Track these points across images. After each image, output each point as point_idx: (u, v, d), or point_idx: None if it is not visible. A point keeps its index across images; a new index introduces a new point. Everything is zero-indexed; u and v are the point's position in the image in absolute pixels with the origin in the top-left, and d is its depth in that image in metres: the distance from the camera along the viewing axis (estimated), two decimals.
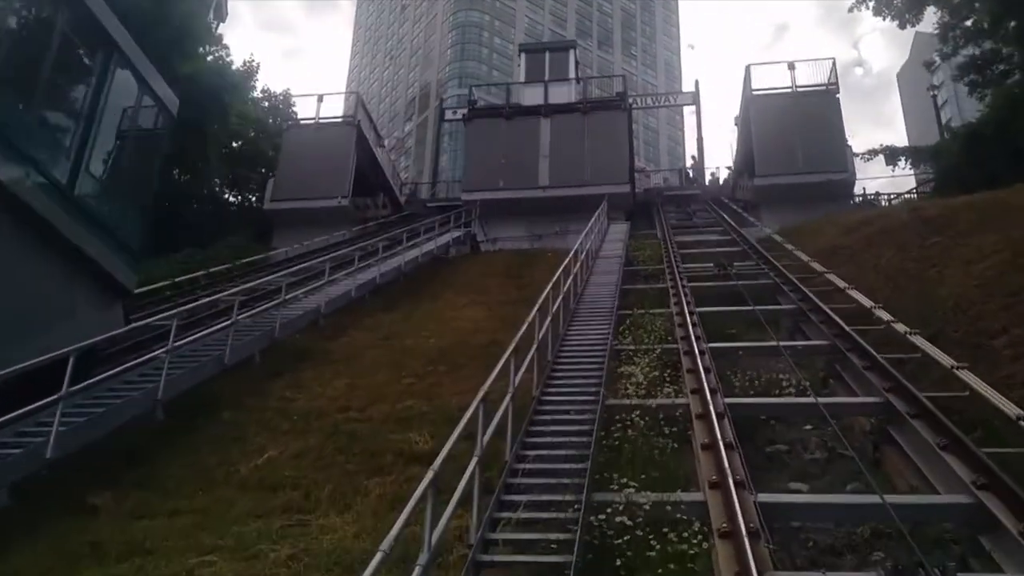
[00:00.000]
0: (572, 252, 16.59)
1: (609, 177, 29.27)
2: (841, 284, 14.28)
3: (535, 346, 10.06)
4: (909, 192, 32.54)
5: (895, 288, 13.92)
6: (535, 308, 10.98)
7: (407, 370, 13.31)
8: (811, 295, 14.04)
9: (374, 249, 23.33)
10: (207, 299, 17.15)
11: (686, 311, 13.74)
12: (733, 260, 20.37)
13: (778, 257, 18.75)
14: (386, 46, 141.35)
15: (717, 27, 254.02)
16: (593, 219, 22.76)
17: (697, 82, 38.42)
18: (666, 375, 10.77)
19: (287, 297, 15.76)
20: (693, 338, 11.77)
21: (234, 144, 34.27)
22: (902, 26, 31.41)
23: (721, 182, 37.47)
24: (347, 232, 29.27)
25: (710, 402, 8.74)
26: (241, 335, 13.83)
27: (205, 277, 23.02)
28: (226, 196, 35.40)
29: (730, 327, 14.40)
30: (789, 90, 29.76)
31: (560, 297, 13.24)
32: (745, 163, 32.15)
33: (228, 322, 13.47)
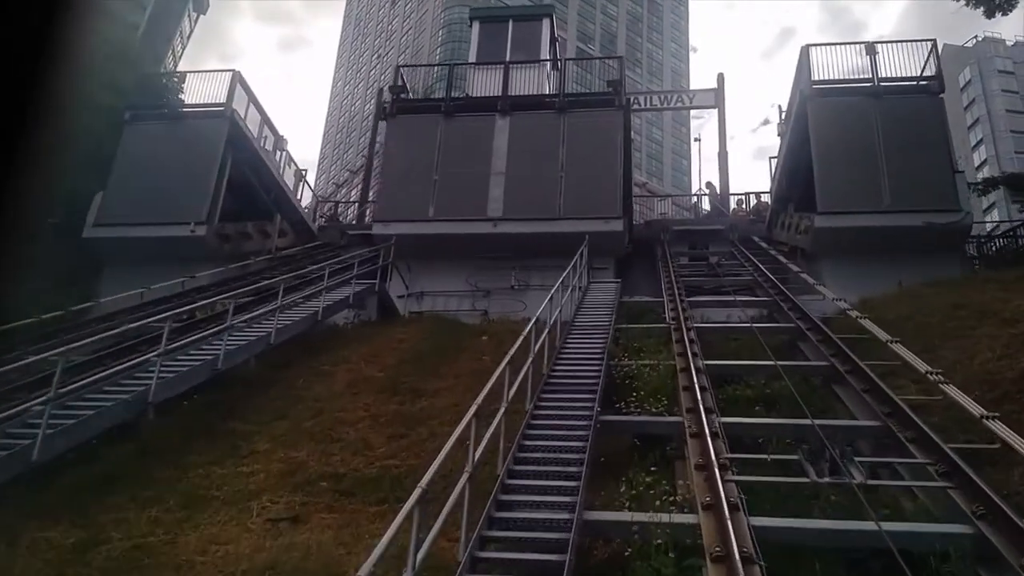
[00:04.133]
0: (527, 351, 6.55)
1: (594, 207, 19.40)
2: None
3: None
4: None
5: None
6: None
7: None
8: None
9: (212, 313, 14.26)
10: None
11: None
12: (810, 385, 10.91)
13: (923, 411, 9.07)
14: (374, 44, 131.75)
15: (718, 31, 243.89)
16: (565, 274, 13.59)
17: (721, 76, 28.54)
18: None
19: None
20: None
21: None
22: (989, 15, 22.85)
23: (750, 214, 27.50)
24: (199, 277, 19.41)
25: None
26: None
27: None
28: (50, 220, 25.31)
29: None
30: (869, 85, 19.83)
31: None
32: (793, 190, 22.23)
33: None
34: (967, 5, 23.47)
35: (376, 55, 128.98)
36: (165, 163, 21.19)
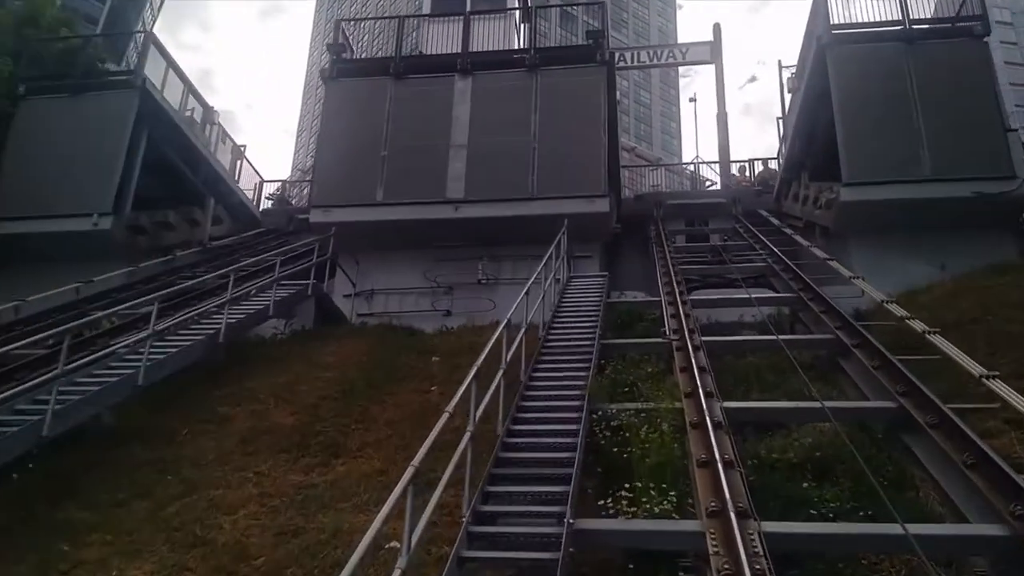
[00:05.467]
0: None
1: (574, 183, 16.13)
2: None
3: None
4: None
5: None
6: None
7: None
8: None
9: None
10: None
11: None
12: (870, 436, 7.87)
13: None
14: (350, 8, 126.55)
15: None
16: (539, 271, 10.38)
17: (717, 27, 25.10)
18: None
19: None
20: None
21: None
22: None
23: (755, 183, 24.25)
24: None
25: None
26: None
27: None
28: None
29: None
30: (899, 28, 16.47)
31: None
32: (808, 155, 18.98)
33: None
34: None
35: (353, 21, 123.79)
36: (64, 144, 17.76)
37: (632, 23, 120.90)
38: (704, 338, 10.49)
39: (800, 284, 13.32)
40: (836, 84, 16.15)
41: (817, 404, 8.04)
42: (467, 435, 6.37)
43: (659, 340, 10.70)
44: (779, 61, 30.13)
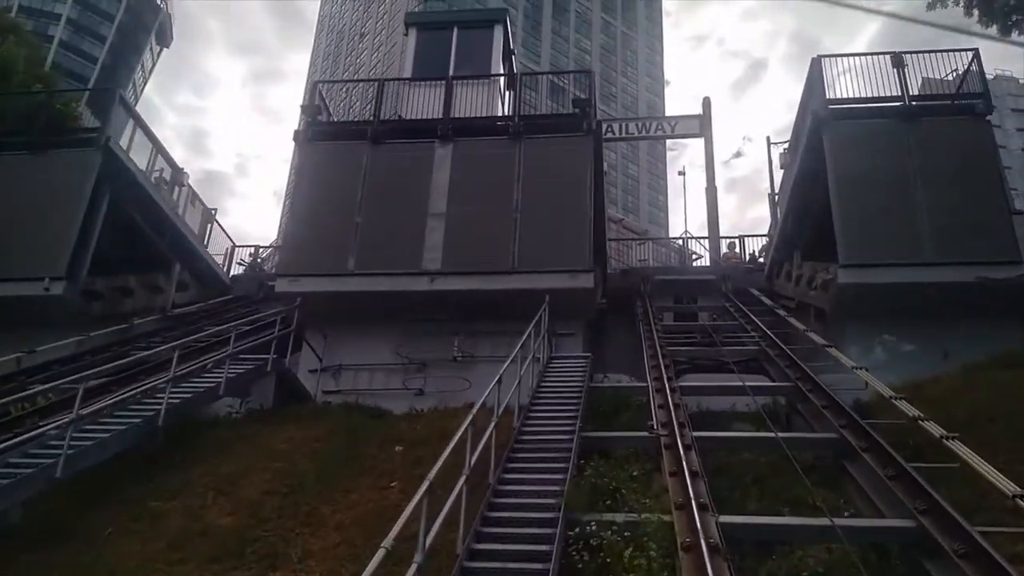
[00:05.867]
0: None
1: (557, 257, 15.23)
2: None
3: None
4: None
5: None
6: None
7: None
8: None
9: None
10: None
11: None
12: (885, 558, 6.67)
13: None
14: (344, 64, 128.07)
15: (688, 65, 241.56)
16: (514, 355, 9.72)
17: (707, 100, 24.70)
18: None
19: None
20: None
21: None
22: (1005, 32, 18.87)
23: (747, 260, 23.52)
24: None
25: None
26: None
27: None
28: None
29: None
30: (899, 104, 15.93)
31: None
32: (801, 233, 18.27)
33: None
34: (979, 22, 20.23)
35: (344, 88, 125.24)
36: (22, 203, 16.84)
37: (621, 97, 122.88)
38: (696, 433, 9.43)
39: (797, 372, 12.33)
40: (832, 160, 15.49)
41: (827, 521, 7.01)
42: (413, 568, 5.24)
43: (646, 435, 9.62)
44: (767, 137, 29.95)
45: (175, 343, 12.31)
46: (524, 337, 12.29)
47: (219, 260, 22.85)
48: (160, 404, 10.50)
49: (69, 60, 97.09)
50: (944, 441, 8.02)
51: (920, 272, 14.36)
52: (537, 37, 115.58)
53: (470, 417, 8.02)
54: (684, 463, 8.04)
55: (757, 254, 23.27)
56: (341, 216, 16.02)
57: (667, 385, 11.50)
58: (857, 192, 15.19)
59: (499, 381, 9.07)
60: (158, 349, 14.30)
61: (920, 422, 8.61)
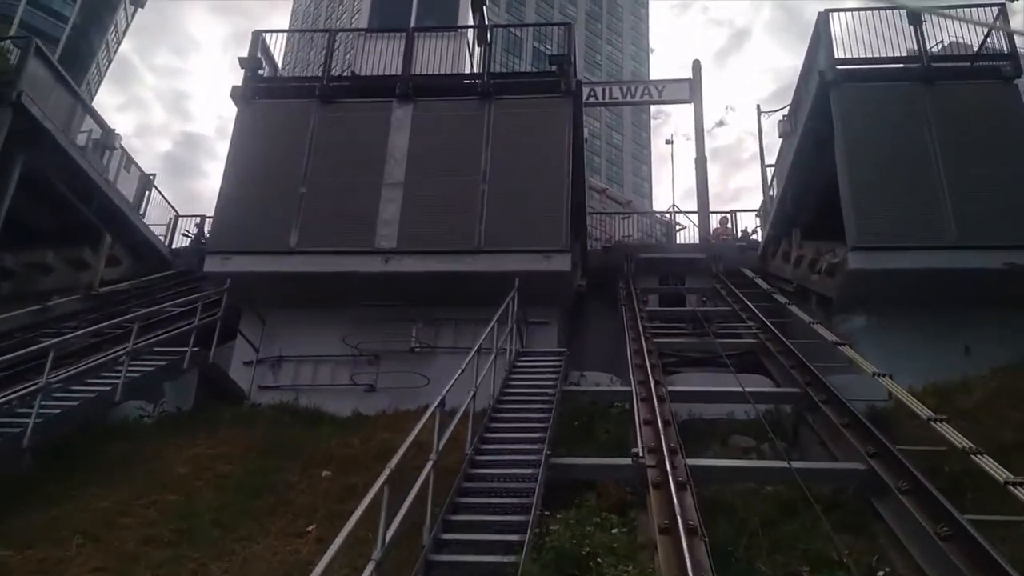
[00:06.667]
0: None
1: (529, 235, 13.31)
2: None
3: None
4: None
5: None
6: None
7: None
8: None
9: None
10: None
11: None
12: None
13: None
14: (324, 25, 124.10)
15: (671, 33, 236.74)
16: (471, 355, 8.23)
17: (697, 63, 22.69)
18: None
19: None
20: None
21: None
22: None
23: (739, 236, 21.72)
24: None
25: None
26: None
27: None
28: None
29: None
30: (916, 65, 14.06)
31: None
32: (802, 210, 16.49)
33: None
34: None
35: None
36: None
37: (606, 66, 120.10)
38: (691, 462, 7.63)
39: (806, 375, 10.56)
40: (842, 128, 13.62)
41: None
42: None
43: (629, 462, 7.80)
44: (758, 105, 27.98)
45: (54, 341, 10.03)
46: (488, 329, 10.47)
47: (161, 232, 20.75)
48: (29, 417, 8.48)
49: (39, 19, 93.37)
50: (1011, 488, 6.23)
51: (941, 256, 12.57)
52: (522, 2, 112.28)
53: (412, 435, 6.24)
54: (678, 513, 6.22)
55: (750, 230, 21.48)
56: (283, 186, 13.99)
57: (654, 392, 9.70)
58: (869, 164, 13.35)
59: (440, 406, 7.18)
60: (69, 336, 12.26)
61: (974, 456, 6.82)
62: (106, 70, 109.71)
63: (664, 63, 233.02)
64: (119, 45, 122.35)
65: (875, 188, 13.14)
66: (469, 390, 8.63)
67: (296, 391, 13.21)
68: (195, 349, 11.97)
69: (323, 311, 13.86)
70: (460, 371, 8.68)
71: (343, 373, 13.57)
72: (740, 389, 10.10)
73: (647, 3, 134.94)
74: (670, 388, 10.28)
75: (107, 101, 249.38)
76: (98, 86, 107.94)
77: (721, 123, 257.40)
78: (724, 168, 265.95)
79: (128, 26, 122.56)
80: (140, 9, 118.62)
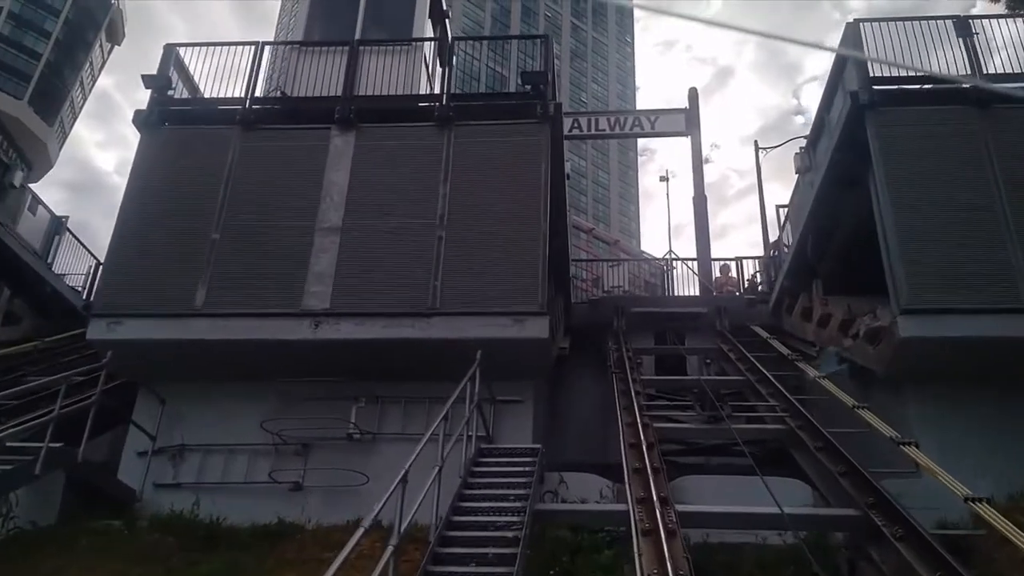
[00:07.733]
0: None
1: (496, 294, 10.58)
2: None
3: None
4: None
5: None
6: None
7: None
8: None
9: None
10: None
11: None
12: None
13: None
14: None
15: (656, 72, 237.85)
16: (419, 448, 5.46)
17: (694, 91, 20.27)
18: None
19: None
20: None
21: None
22: None
23: (747, 286, 19.06)
24: None
25: None
26: None
27: None
28: None
29: None
30: (967, 86, 11.53)
31: None
32: (824, 259, 13.87)
33: None
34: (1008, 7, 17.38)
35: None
36: None
37: (592, 104, 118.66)
38: None
39: (867, 494, 7.78)
40: (882, 160, 11.01)
41: None
42: None
43: None
44: (755, 142, 25.71)
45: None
46: (439, 420, 7.73)
47: (79, 282, 17.88)
48: None
49: (10, 56, 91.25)
50: None
51: (1014, 322, 9.92)
52: (507, 47, 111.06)
53: None
54: None
55: (757, 280, 18.83)
56: (191, 230, 11.23)
57: (660, 520, 6.90)
58: (918, 204, 10.74)
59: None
60: None
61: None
62: (81, 107, 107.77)
63: (650, 100, 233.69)
64: (95, 82, 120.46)
65: (927, 234, 10.52)
66: (414, 501, 6.04)
67: (198, 491, 10.33)
68: (56, 446, 9.07)
69: (238, 387, 11.03)
70: (396, 482, 5.98)
71: (262, 467, 10.70)
72: (776, 509, 7.34)
73: (632, 42, 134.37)
74: (680, 508, 7.49)
75: (87, 137, 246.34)
76: (72, 123, 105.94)
77: (707, 160, 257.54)
78: (710, 205, 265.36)
79: (104, 63, 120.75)
80: (117, 47, 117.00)
